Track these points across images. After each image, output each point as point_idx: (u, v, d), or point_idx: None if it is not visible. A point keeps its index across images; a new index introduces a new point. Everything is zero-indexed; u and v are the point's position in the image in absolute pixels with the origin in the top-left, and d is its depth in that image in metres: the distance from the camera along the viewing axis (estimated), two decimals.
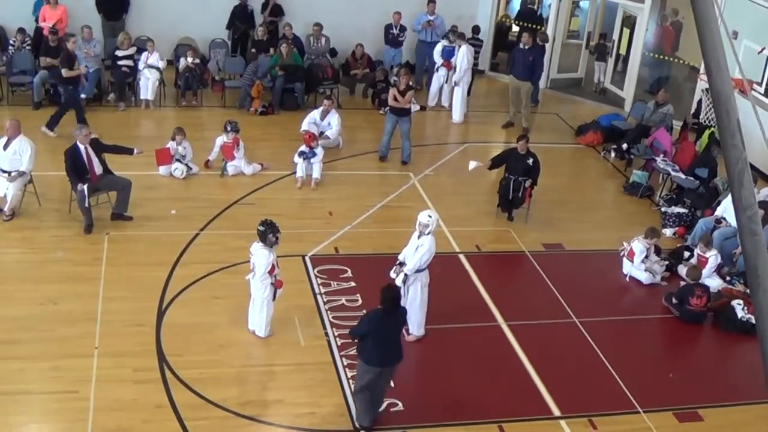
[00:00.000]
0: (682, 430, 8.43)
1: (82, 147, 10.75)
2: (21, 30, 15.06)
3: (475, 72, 16.77)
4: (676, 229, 12.28)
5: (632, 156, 14.41)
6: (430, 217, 8.98)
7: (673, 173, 13.29)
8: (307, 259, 10.61)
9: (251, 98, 15.20)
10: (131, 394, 8.03)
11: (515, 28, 18.99)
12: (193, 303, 9.55)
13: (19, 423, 7.65)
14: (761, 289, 4.08)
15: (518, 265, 11.27)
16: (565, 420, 8.33)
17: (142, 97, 14.97)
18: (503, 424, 8.16)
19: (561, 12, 17.84)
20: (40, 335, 8.74)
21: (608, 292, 10.81)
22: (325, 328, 9.31)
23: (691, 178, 13.11)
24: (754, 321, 4.47)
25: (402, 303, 8.46)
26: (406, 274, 8.92)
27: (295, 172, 12.66)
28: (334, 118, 13.81)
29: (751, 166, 5.35)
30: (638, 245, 10.90)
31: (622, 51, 17.68)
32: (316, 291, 9.97)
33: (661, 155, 13.78)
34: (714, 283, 10.78)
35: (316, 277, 10.26)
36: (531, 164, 11.94)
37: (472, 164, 12.07)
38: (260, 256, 8.65)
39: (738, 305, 10.18)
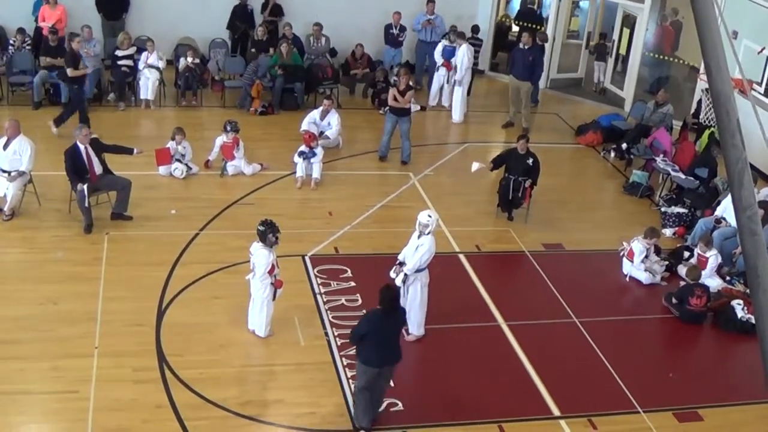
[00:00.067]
0: (682, 430, 8.43)
1: (82, 147, 10.75)
2: (21, 30, 15.05)
3: (475, 72, 16.77)
4: (676, 229, 12.27)
5: (632, 156, 14.41)
6: (429, 217, 8.98)
7: (672, 173, 13.29)
8: (306, 259, 10.61)
9: (251, 98, 15.19)
10: (131, 394, 8.03)
11: (515, 28, 18.97)
12: (193, 303, 9.55)
13: (19, 423, 7.65)
14: (761, 289, 4.08)
15: (518, 265, 11.27)
16: (565, 420, 8.33)
17: (142, 96, 14.96)
18: (503, 423, 8.16)
19: (561, 12, 17.83)
20: (40, 335, 8.74)
21: (608, 292, 10.80)
22: (324, 328, 9.31)
23: (691, 178, 13.10)
24: (754, 321, 4.47)
25: (402, 303, 8.47)
26: (405, 274, 8.91)
27: (294, 172, 12.66)
28: (333, 118, 13.81)
29: (751, 166, 5.36)
30: (638, 245, 10.90)
31: (622, 51, 17.67)
32: (316, 291, 9.97)
33: (661, 155, 13.77)
34: (714, 283, 10.78)
35: (316, 277, 10.26)
36: (531, 164, 11.94)
37: (475, 165, 12.09)
38: (260, 256, 8.65)
39: (738, 305, 10.18)
